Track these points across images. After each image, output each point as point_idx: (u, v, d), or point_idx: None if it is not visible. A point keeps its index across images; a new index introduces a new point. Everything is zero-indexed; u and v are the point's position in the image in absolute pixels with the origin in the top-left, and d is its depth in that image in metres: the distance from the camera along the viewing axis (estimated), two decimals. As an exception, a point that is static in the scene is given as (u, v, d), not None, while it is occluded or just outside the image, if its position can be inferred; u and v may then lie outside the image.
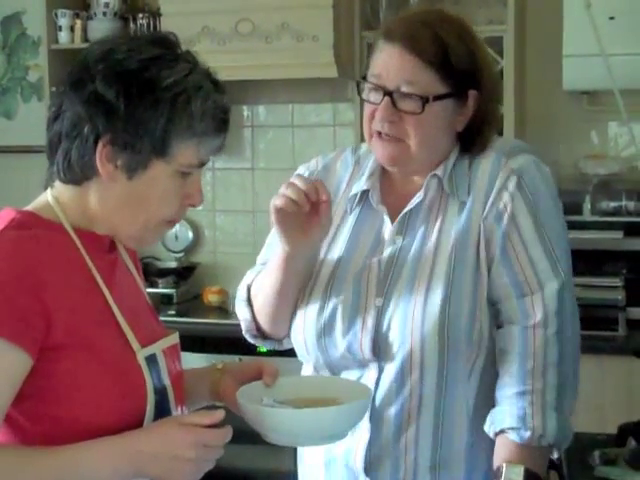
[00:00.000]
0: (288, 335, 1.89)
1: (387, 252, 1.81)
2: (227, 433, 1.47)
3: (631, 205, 3.52)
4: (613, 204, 3.55)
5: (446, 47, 1.74)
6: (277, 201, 1.76)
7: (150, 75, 1.46)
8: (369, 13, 3.75)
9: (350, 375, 1.80)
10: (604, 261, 3.41)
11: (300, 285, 1.85)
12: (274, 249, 1.87)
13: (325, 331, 1.81)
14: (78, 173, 1.50)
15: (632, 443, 1.96)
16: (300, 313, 1.85)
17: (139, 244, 1.60)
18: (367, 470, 1.79)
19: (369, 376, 1.79)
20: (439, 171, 1.81)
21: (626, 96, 3.14)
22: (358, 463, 1.80)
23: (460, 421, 1.77)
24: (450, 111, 1.78)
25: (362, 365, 1.79)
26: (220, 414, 1.48)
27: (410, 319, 1.74)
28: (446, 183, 1.80)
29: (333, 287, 1.82)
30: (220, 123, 1.51)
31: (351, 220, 1.87)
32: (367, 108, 1.81)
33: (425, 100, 1.73)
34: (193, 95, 1.47)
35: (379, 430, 1.78)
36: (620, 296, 3.41)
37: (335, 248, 1.86)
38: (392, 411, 1.77)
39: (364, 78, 1.81)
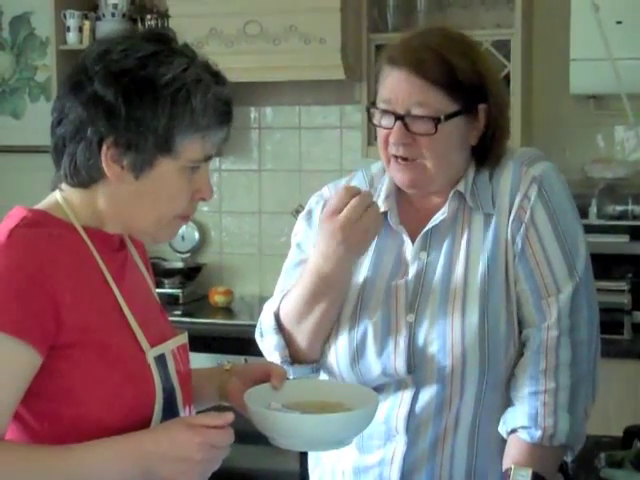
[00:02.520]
0: (321, 361, 1.88)
1: (413, 270, 1.82)
2: (232, 433, 1.48)
3: (637, 209, 3.52)
4: (619, 208, 3.55)
5: (451, 65, 1.74)
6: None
7: (148, 73, 1.45)
8: (376, 16, 3.76)
9: (388, 394, 1.80)
10: (610, 265, 3.40)
11: (335, 292, 1.82)
12: (293, 279, 1.87)
13: (358, 357, 1.81)
14: (85, 176, 1.49)
15: (638, 445, 1.96)
16: (331, 341, 1.85)
17: (154, 240, 1.60)
18: None
19: (406, 393, 1.79)
20: (461, 187, 1.81)
21: (633, 100, 3.13)
22: (394, 474, 1.80)
23: (496, 431, 1.78)
24: (463, 127, 1.78)
25: (398, 383, 1.80)
26: (230, 416, 1.48)
27: (449, 333, 1.76)
28: (469, 198, 1.81)
29: (361, 313, 1.83)
30: (223, 115, 1.50)
31: (372, 243, 1.86)
32: (380, 133, 1.81)
33: (437, 120, 1.74)
34: (193, 90, 1.46)
35: (416, 443, 1.79)
36: (626, 300, 3.40)
37: (358, 273, 1.86)
38: (430, 425, 1.78)
39: (373, 104, 1.82)
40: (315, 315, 1.82)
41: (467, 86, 1.76)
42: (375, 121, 1.82)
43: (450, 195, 1.82)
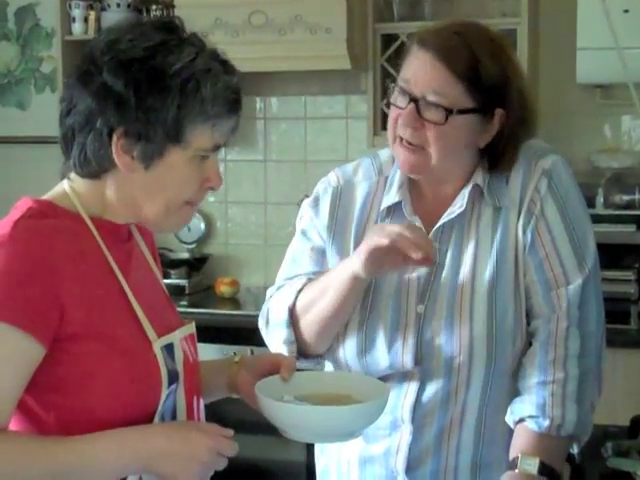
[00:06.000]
0: (327, 352, 1.88)
1: None
2: (236, 447, 1.50)
3: (644, 199, 3.52)
4: (626, 198, 3.55)
5: (478, 62, 1.73)
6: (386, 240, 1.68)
7: (156, 62, 1.44)
8: (382, 5, 3.75)
9: (394, 383, 1.79)
10: (617, 255, 3.40)
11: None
12: (302, 267, 1.86)
13: (365, 349, 1.81)
14: (95, 166, 1.49)
15: (644, 435, 1.96)
16: (339, 333, 1.84)
17: (162, 229, 1.60)
18: (407, 470, 1.80)
19: (412, 383, 1.79)
20: (479, 180, 1.81)
21: (640, 89, 3.13)
22: (399, 464, 1.81)
23: (502, 422, 1.78)
24: (474, 126, 1.77)
25: (404, 373, 1.80)
26: (231, 431, 1.51)
27: (457, 324, 1.76)
28: (487, 192, 1.80)
29: (371, 304, 1.82)
30: (232, 104, 1.49)
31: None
32: (393, 112, 1.80)
33: (449, 112, 1.73)
34: (202, 79, 1.45)
35: (421, 433, 1.79)
36: (633, 290, 3.41)
37: None
38: (436, 415, 1.79)
39: (394, 81, 1.81)
40: (338, 314, 1.81)
41: (488, 86, 1.74)
42: (392, 99, 1.80)
43: (469, 189, 1.81)
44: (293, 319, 1.86)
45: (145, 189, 1.50)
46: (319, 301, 1.82)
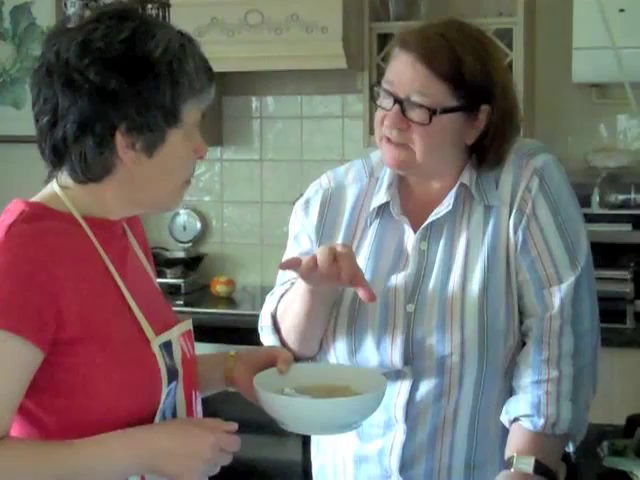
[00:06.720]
0: (318, 353, 1.88)
1: (413, 260, 1.82)
2: (239, 442, 1.50)
3: (640, 198, 3.53)
4: (622, 197, 3.55)
5: (460, 62, 1.73)
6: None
7: (139, 52, 1.45)
8: (378, 4, 3.75)
9: (387, 382, 1.78)
10: (612, 254, 3.40)
11: (328, 307, 1.83)
12: (290, 274, 1.86)
13: (355, 349, 1.82)
14: (98, 171, 1.48)
15: (640, 434, 1.96)
16: (329, 334, 1.85)
17: (165, 209, 1.63)
18: (401, 470, 1.81)
19: (404, 382, 1.80)
20: (465, 179, 1.81)
21: (636, 89, 3.12)
22: (393, 463, 1.81)
23: (496, 421, 1.78)
24: (459, 124, 1.77)
25: (397, 372, 1.80)
26: (235, 425, 1.50)
27: (448, 324, 1.76)
28: (474, 190, 1.81)
29: (360, 303, 1.81)
30: (210, 72, 1.53)
31: (371, 233, 1.87)
32: (379, 113, 1.81)
33: (433, 112, 1.73)
34: (182, 57, 1.47)
35: (415, 432, 1.80)
36: (628, 289, 3.41)
37: (358, 262, 1.83)
38: (429, 414, 1.79)
39: (379, 83, 1.82)
40: (310, 320, 1.82)
41: (471, 84, 1.74)
42: (378, 102, 1.81)
43: (456, 188, 1.81)
44: (276, 326, 1.88)
45: (150, 177, 1.50)
46: (290, 309, 1.84)
